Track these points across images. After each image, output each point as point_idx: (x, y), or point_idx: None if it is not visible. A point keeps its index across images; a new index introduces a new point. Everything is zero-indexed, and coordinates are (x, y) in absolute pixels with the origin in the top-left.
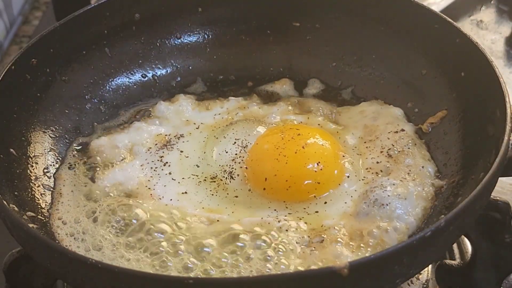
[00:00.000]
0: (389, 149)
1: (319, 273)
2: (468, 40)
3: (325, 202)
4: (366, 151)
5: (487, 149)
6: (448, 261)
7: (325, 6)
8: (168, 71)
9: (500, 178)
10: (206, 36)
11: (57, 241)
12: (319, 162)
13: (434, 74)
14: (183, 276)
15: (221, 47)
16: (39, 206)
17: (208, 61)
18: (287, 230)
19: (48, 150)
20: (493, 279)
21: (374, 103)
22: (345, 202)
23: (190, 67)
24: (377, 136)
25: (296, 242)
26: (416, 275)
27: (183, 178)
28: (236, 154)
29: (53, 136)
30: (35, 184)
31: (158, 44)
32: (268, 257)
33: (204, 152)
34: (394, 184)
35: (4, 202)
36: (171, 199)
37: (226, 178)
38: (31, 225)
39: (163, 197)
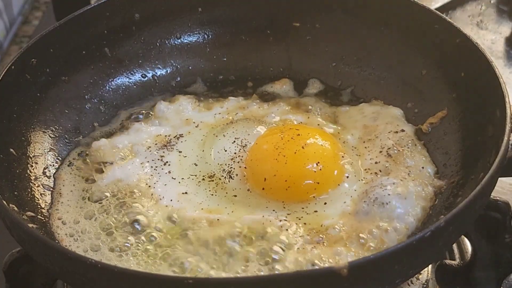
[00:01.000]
0: (389, 148)
1: (318, 273)
2: (468, 40)
3: (325, 203)
4: (365, 152)
5: (487, 149)
6: (448, 261)
7: (325, 7)
8: (168, 71)
9: (500, 178)
10: (206, 36)
11: (56, 241)
12: (318, 162)
13: (434, 74)
14: (182, 276)
15: (221, 47)
16: (39, 206)
17: (208, 61)
18: (287, 230)
19: (48, 150)
20: (493, 279)
21: (374, 103)
22: (345, 202)
23: (190, 67)
24: (376, 135)
25: (297, 241)
26: (416, 275)
27: (182, 178)
28: (235, 153)
29: (53, 136)
30: (34, 184)
31: (158, 44)
32: (268, 257)
33: (203, 151)
34: (394, 183)
35: (4, 202)
36: (171, 200)
37: (225, 177)
38: (30, 225)
39: (163, 197)
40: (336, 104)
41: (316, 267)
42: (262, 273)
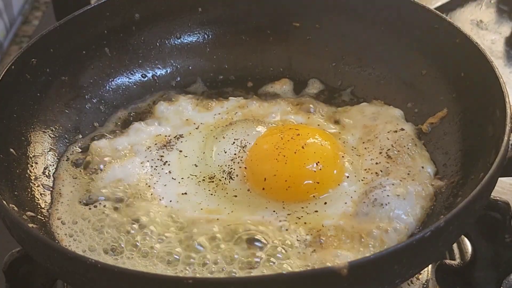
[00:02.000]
0: (388, 149)
1: (318, 273)
2: (468, 40)
3: (325, 203)
4: (365, 152)
5: (487, 149)
6: (448, 261)
7: (325, 7)
8: (168, 71)
9: (500, 178)
10: (206, 36)
11: (56, 241)
12: (318, 162)
13: (434, 74)
14: (182, 276)
15: (221, 47)
16: (39, 206)
17: (208, 61)
18: (287, 230)
19: (48, 150)
20: (493, 279)
21: (374, 103)
22: (345, 202)
23: (190, 67)
24: (376, 135)
25: (297, 241)
26: (416, 275)
27: (182, 178)
28: (235, 154)
29: (53, 136)
30: (34, 184)
31: (158, 44)
32: (269, 257)
33: (204, 152)
34: (393, 184)
35: (4, 202)
36: (170, 201)
37: (225, 178)
38: (30, 225)
39: (163, 197)
40: (336, 104)
41: (317, 267)
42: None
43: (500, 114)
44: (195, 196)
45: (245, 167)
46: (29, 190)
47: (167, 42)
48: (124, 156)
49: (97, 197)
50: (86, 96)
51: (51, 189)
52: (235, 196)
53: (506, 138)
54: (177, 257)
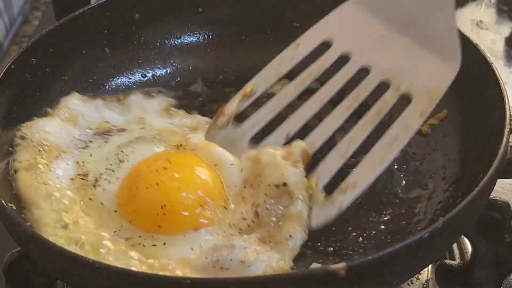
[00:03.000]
0: (258, 205)
1: (316, 273)
2: (467, 41)
3: (164, 243)
4: (241, 202)
5: (486, 151)
6: (448, 261)
7: (325, 7)
8: (168, 71)
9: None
10: (206, 36)
11: None
12: (164, 205)
13: None
14: (180, 276)
15: (221, 47)
16: None
17: (208, 61)
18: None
19: None
20: (493, 279)
21: None
22: (192, 248)
23: (190, 67)
24: (259, 183)
25: None
26: (416, 275)
27: (82, 166)
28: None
29: None
30: None
31: (158, 44)
32: None
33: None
34: (245, 248)
35: (3, 201)
36: (62, 181)
37: (95, 186)
38: (29, 224)
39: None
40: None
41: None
42: None
43: (499, 115)
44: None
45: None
46: None
47: (167, 42)
48: (65, 120)
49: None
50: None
51: None
52: (102, 203)
53: (505, 139)
54: None
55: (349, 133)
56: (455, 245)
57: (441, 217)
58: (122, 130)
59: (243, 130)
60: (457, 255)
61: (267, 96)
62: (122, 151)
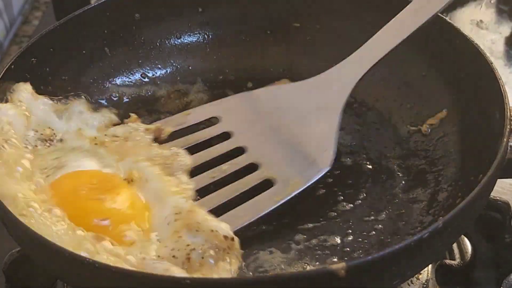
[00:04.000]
0: (193, 250)
1: (316, 273)
2: (468, 41)
3: None
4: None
5: (486, 151)
6: (448, 261)
7: (325, 7)
8: (168, 71)
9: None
10: (206, 36)
11: None
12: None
13: (433, 75)
14: (180, 276)
15: (221, 48)
16: None
17: (208, 61)
18: None
19: None
20: (493, 279)
21: None
22: None
23: (190, 67)
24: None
25: None
26: (416, 275)
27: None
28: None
29: None
30: None
31: (158, 44)
32: None
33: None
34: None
35: (2, 202)
36: None
37: None
38: None
39: None
40: None
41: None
42: None
43: (499, 115)
44: None
45: None
46: None
47: (167, 42)
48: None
49: None
50: (85, 96)
51: None
52: None
53: (505, 139)
54: None
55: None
56: (455, 245)
57: (440, 217)
58: (60, 140)
59: None
60: (457, 255)
61: None
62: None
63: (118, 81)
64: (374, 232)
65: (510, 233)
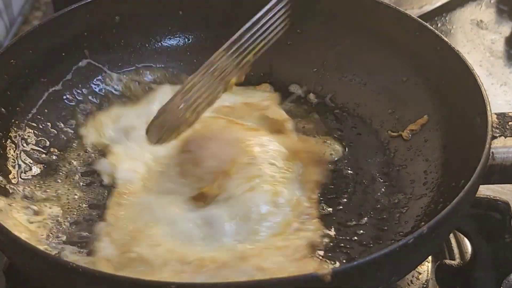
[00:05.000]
0: None
1: (302, 279)
2: (449, 47)
3: None
4: None
5: (468, 157)
6: (448, 261)
7: (307, 12)
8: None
9: None
10: (186, 40)
11: None
12: None
13: (414, 81)
14: (165, 281)
15: (201, 51)
16: None
17: (188, 65)
18: None
19: (26, 152)
20: (493, 279)
21: None
22: None
23: (170, 71)
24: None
25: None
26: (416, 275)
27: None
28: None
29: (30, 138)
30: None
31: (138, 46)
32: None
33: None
34: None
35: None
36: None
37: None
38: None
39: None
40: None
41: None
42: None
43: (481, 121)
44: None
45: None
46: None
47: (147, 45)
48: None
49: None
50: (65, 98)
51: None
52: None
53: (487, 145)
54: None
55: None
56: (455, 245)
57: (422, 223)
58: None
59: None
60: (457, 255)
61: None
62: None
63: (98, 83)
64: (356, 238)
65: (510, 233)
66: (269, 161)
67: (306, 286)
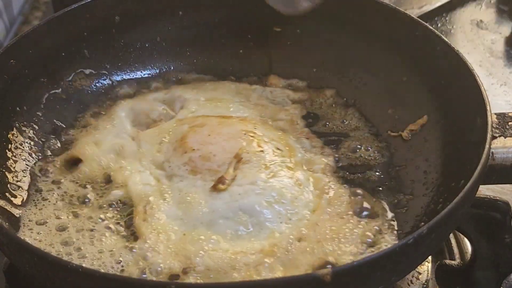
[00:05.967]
0: None
1: (302, 279)
2: (449, 47)
3: None
4: None
5: (467, 157)
6: (448, 261)
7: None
8: (148, 74)
9: None
10: (186, 40)
11: None
12: None
13: (414, 81)
14: (166, 282)
15: (201, 51)
16: None
17: (188, 65)
18: None
19: (27, 152)
20: (493, 279)
21: None
22: None
23: (170, 70)
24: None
25: None
26: (416, 275)
27: None
28: None
29: (31, 137)
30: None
31: (138, 46)
32: None
33: None
34: None
35: None
36: None
37: None
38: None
39: None
40: None
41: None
42: None
43: (481, 121)
44: None
45: None
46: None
47: (147, 45)
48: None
49: None
50: (65, 98)
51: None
52: None
53: (487, 146)
54: None
55: None
56: (455, 245)
57: (422, 223)
58: None
59: None
60: (457, 255)
61: None
62: None
63: (98, 83)
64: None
65: (510, 233)
66: (274, 148)
67: (307, 286)
